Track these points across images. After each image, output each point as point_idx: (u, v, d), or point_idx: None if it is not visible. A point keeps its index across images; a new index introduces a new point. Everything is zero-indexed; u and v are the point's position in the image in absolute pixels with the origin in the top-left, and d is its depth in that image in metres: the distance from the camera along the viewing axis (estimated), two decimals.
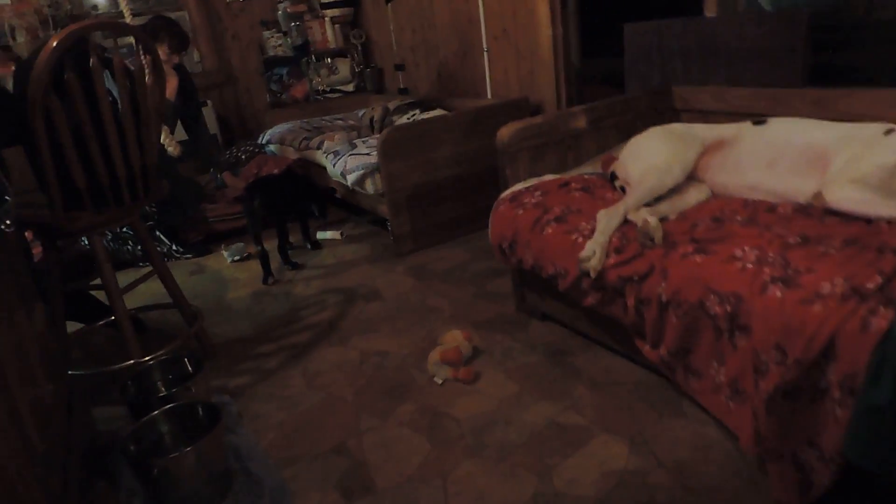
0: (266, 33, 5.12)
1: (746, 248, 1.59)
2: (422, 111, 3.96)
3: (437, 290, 2.85)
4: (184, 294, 2.40)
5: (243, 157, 4.38)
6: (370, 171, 3.32)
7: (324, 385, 2.21)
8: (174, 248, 3.70)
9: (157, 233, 3.68)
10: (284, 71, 5.21)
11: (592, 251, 1.82)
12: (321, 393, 2.16)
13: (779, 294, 1.40)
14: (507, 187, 2.38)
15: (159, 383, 1.97)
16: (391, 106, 4.17)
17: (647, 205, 1.97)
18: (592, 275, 1.81)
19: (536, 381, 2.07)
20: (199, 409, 1.72)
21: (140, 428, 1.67)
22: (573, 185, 2.25)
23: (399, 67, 4.86)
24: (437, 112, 3.91)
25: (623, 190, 2.20)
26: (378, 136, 3.68)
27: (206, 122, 4.01)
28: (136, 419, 1.77)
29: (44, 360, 1.64)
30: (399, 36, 4.76)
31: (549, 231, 2.04)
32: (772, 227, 1.69)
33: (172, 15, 3.60)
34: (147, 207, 3.57)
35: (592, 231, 1.91)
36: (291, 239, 3.50)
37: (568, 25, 3.33)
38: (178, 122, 3.81)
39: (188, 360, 1.99)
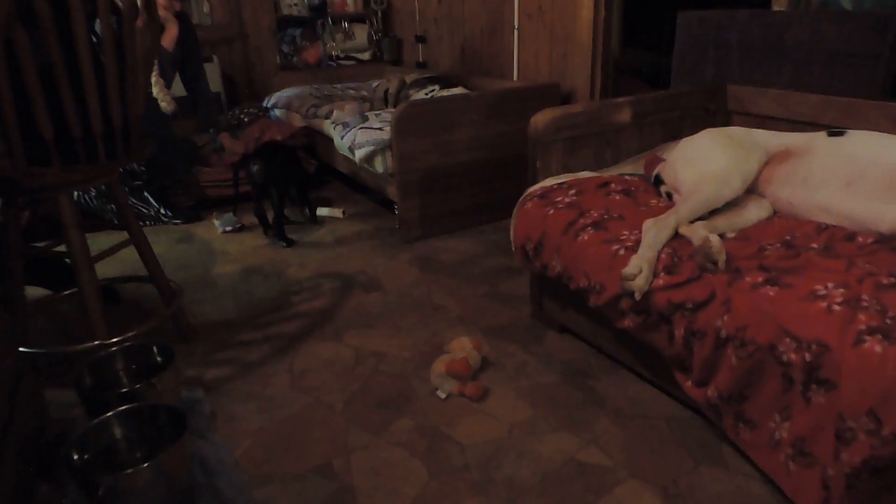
0: None
1: (829, 285, 1.33)
2: (441, 88, 3.67)
3: (445, 285, 2.59)
4: (166, 265, 2.14)
5: (246, 119, 4.09)
6: (381, 149, 3.04)
7: (311, 387, 1.95)
8: (162, 211, 3.42)
9: (146, 193, 3.40)
10: (298, 32, 4.90)
11: (638, 268, 1.55)
12: (308, 396, 1.90)
13: (878, 349, 1.15)
14: (535, 181, 2.11)
15: (121, 373, 1.71)
16: (408, 79, 3.87)
17: (701, 218, 1.72)
18: (637, 296, 1.55)
19: (553, 406, 1.82)
20: (163, 412, 1.46)
21: (89, 432, 1.41)
22: (613, 185, 1.98)
23: (420, 39, 4.55)
24: (458, 90, 3.63)
25: (669, 196, 1.94)
26: (392, 110, 3.41)
27: (207, 79, 3.69)
28: (89, 416, 1.52)
29: None
30: (423, 5, 4.45)
31: (585, 238, 1.77)
32: (855, 261, 1.43)
33: None
34: (136, 166, 3.29)
35: (637, 243, 1.65)
36: (287, 213, 3.24)
37: (612, 10, 3.04)
38: (177, 76, 3.52)
39: (157, 350, 1.73)
